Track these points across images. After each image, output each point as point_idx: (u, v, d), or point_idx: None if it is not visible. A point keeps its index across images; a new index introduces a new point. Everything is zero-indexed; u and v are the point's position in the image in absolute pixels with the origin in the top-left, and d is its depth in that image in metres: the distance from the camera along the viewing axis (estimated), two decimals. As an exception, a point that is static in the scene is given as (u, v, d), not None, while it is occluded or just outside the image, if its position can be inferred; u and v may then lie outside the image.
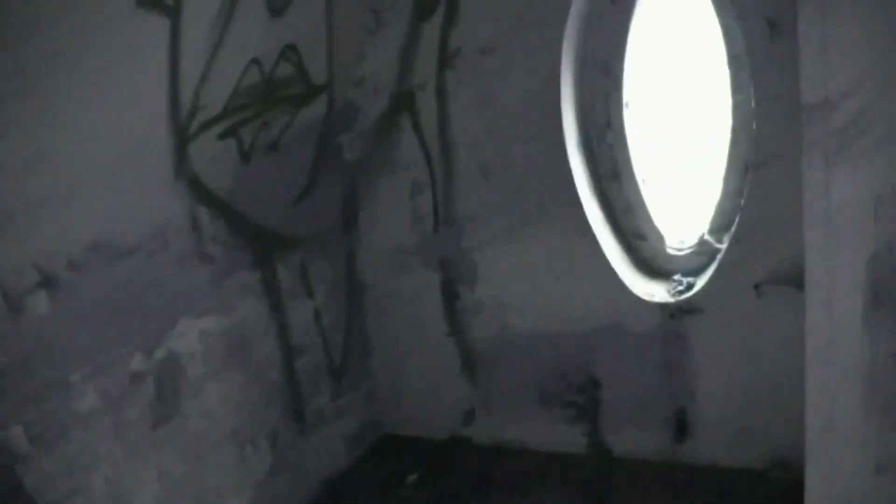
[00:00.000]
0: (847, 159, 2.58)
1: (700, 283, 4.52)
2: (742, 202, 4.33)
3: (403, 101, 4.77)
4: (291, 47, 4.18)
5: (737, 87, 4.34)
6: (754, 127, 4.20)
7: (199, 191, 3.90)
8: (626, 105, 4.65)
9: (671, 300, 4.54)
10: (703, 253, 4.62)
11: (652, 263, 4.78)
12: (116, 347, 3.57)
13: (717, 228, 4.56)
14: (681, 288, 4.58)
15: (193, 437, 3.93)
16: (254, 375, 4.30)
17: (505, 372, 4.95)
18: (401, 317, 5.10)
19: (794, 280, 4.15)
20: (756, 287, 4.29)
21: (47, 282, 3.25)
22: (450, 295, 4.98)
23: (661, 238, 4.74)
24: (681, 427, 4.61)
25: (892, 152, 2.56)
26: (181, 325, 3.86)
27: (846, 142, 2.57)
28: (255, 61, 3.98)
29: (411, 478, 4.85)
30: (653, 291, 4.63)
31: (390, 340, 5.15)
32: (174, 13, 3.44)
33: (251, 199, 4.22)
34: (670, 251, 4.74)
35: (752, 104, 4.18)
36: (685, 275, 4.64)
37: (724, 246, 4.46)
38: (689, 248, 4.69)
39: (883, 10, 2.49)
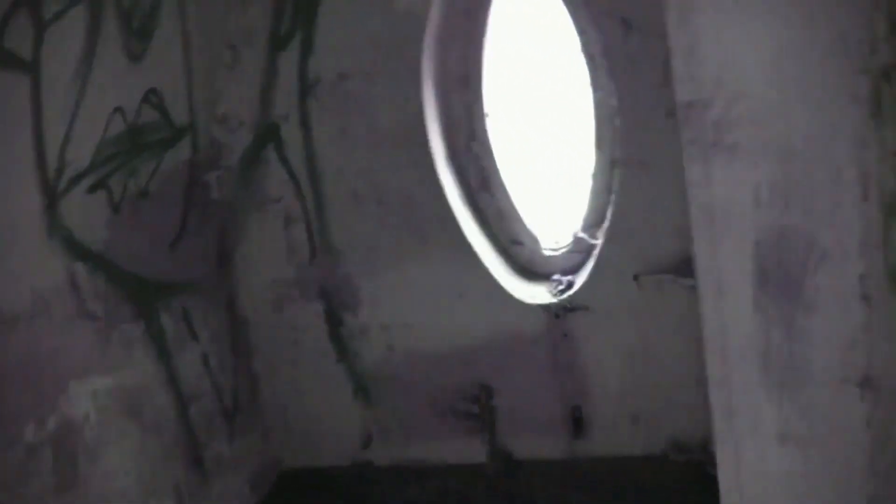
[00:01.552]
0: (724, 152, 2.69)
1: (580, 280, 4.63)
2: (612, 197, 4.45)
3: (268, 134, 4.74)
4: (153, 91, 4.12)
5: (596, 86, 4.46)
6: (617, 124, 4.32)
7: (73, 248, 3.80)
8: (488, 115, 4.73)
9: (554, 300, 4.63)
10: (580, 250, 4.73)
11: (531, 266, 4.86)
12: (7, 421, 3.44)
13: (591, 225, 4.67)
14: (562, 287, 4.67)
15: (97, 501, 3.82)
16: (150, 429, 4.20)
17: (398, 391, 4.95)
18: (288, 349, 5.05)
19: (672, 267, 4.30)
20: (635, 278, 4.42)
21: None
22: (334, 322, 4.96)
23: (536, 241, 4.83)
24: (577, 424, 4.70)
25: (764, 143, 2.68)
26: (71, 388, 3.74)
27: (721, 136, 2.67)
28: (119, 109, 3.92)
29: (318, 509, 4.84)
30: (535, 294, 4.71)
31: (280, 374, 5.09)
32: (33, 69, 3.35)
33: (126, 249, 4.13)
34: (547, 252, 4.83)
35: (614, 101, 4.30)
36: (564, 274, 4.74)
37: (599, 241, 4.57)
38: (565, 247, 4.79)
39: (742, 11, 2.61)
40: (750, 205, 2.74)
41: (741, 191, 2.72)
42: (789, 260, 2.79)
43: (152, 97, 4.14)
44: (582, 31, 4.35)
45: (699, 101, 2.65)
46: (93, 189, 3.89)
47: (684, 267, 3.99)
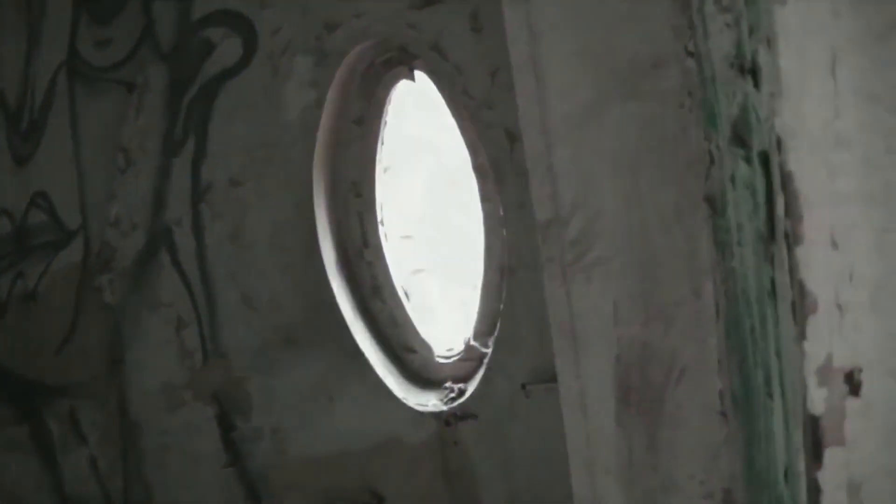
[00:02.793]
0: (582, 270, 2.74)
1: (470, 388, 4.64)
2: (501, 306, 4.49)
3: (161, 238, 4.75)
4: (41, 194, 4.14)
5: (484, 196, 4.52)
6: (504, 233, 4.38)
7: (-47, 351, 3.78)
8: (381, 222, 4.77)
9: (444, 408, 4.63)
10: (471, 358, 4.74)
11: (423, 374, 4.87)
12: None
13: (482, 333, 4.70)
14: (452, 395, 4.68)
15: None
16: (32, 535, 4.14)
17: (289, 497, 4.91)
18: (179, 453, 5.00)
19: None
20: (524, 387, 4.44)
21: None
22: (226, 426, 4.92)
23: (428, 348, 4.84)
24: (467, 531, 4.68)
25: (621, 261, 2.74)
26: (-52, 493, 3.69)
27: (579, 254, 2.73)
28: (5, 212, 3.94)
29: None
30: (426, 401, 4.71)
31: (172, 478, 5.03)
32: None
33: (11, 351, 4.12)
34: (439, 360, 4.84)
35: (501, 211, 4.37)
36: (456, 381, 4.75)
37: (489, 350, 4.60)
38: (457, 355, 4.81)
39: (596, 139, 2.69)
40: (610, 320, 2.79)
41: (601, 307, 2.77)
42: (650, 375, 2.84)
43: (40, 200, 4.15)
44: (470, 143, 4.42)
45: (557, 220, 2.72)
46: (-25, 292, 3.88)
47: (568, 376, 4.02)
